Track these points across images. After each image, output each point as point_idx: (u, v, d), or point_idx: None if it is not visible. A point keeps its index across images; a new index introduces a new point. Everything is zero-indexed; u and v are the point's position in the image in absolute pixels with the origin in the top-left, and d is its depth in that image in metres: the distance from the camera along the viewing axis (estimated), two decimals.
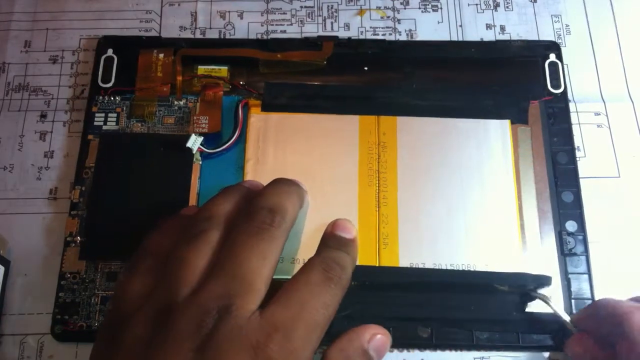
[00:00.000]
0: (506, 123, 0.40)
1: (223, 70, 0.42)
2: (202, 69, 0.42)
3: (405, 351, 0.37)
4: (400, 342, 0.36)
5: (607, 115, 0.42)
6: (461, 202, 0.38)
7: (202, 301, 0.27)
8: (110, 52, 0.43)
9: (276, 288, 0.29)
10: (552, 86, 0.42)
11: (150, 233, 0.33)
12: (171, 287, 0.28)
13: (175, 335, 0.26)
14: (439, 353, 0.37)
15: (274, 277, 0.29)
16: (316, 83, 0.42)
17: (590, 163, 0.41)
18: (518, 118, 0.40)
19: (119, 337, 0.28)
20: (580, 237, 0.38)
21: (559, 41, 0.44)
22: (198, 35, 0.45)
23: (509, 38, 0.45)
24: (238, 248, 0.29)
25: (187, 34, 0.45)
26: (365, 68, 0.43)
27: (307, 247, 0.32)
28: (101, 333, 0.30)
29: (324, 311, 0.28)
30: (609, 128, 0.42)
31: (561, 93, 0.42)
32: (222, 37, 0.45)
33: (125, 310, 0.29)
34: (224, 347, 0.26)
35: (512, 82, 0.42)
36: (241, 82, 0.42)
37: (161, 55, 0.42)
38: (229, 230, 0.30)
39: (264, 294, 0.28)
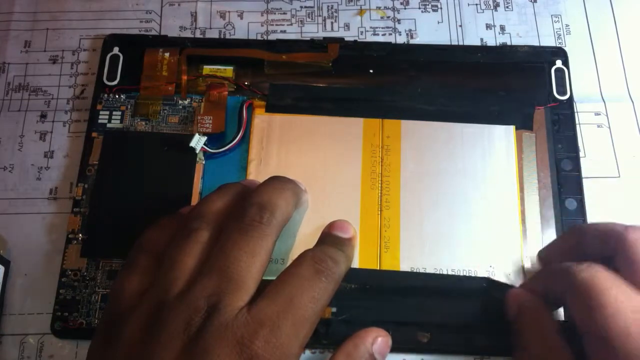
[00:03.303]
0: (511, 129, 0.40)
1: (228, 71, 0.42)
2: (207, 69, 0.42)
3: (403, 355, 0.37)
4: (399, 347, 0.36)
5: (607, 115, 0.42)
6: (463, 207, 0.38)
7: (192, 300, 0.27)
8: (116, 50, 0.43)
9: None
10: (558, 92, 0.41)
11: (146, 231, 0.33)
12: (163, 287, 0.29)
13: (165, 334, 0.27)
14: (438, 357, 0.36)
15: (270, 278, 0.29)
16: (321, 85, 0.42)
17: (590, 163, 0.41)
18: (523, 124, 0.40)
19: (114, 335, 0.28)
20: None
21: (559, 41, 0.44)
22: (198, 35, 0.45)
23: (509, 38, 0.45)
24: (227, 246, 0.29)
25: (187, 34, 0.45)
26: (371, 71, 0.42)
27: (307, 248, 0.32)
28: (98, 330, 0.30)
29: (312, 305, 0.28)
30: (609, 128, 0.42)
31: (567, 100, 0.41)
32: (222, 37, 0.45)
33: (121, 308, 0.29)
34: (210, 344, 0.26)
35: (518, 87, 0.42)
36: (246, 83, 0.42)
37: (167, 54, 0.42)
38: (220, 228, 0.31)
39: (253, 291, 0.28)
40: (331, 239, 0.34)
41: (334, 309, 0.36)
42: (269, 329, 0.27)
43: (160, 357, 0.26)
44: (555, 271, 0.32)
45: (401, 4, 0.46)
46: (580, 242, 0.33)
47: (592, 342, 0.28)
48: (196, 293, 0.28)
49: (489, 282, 0.36)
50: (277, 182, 0.33)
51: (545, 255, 0.36)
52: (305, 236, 0.36)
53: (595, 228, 0.33)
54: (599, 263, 0.30)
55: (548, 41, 0.45)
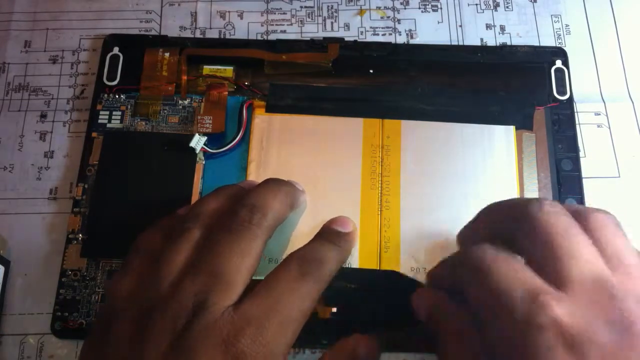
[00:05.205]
0: (511, 129, 0.40)
1: (228, 71, 0.42)
2: (207, 69, 0.42)
3: (403, 355, 0.37)
4: (399, 347, 0.36)
5: (607, 115, 0.42)
6: (463, 208, 0.38)
7: (179, 298, 0.28)
8: (116, 50, 0.43)
9: None
10: (558, 92, 0.42)
11: (143, 232, 0.33)
12: (153, 286, 0.29)
13: (153, 333, 0.27)
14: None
15: (262, 278, 0.30)
16: (321, 85, 0.42)
17: (590, 163, 0.41)
18: (523, 124, 0.40)
19: (106, 334, 0.28)
20: None
21: (559, 41, 0.44)
22: (198, 35, 0.45)
23: (509, 38, 0.45)
24: (217, 245, 0.29)
25: (187, 34, 0.45)
26: (371, 71, 0.42)
27: None
28: (92, 329, 0.31)
29: (299, 305, 0.28)
30: (609, 128, 0.42)
31: (567, 99, 0.41)
32: (222, 37, 0.45)
33: (114, 307, 0.29)
34: (196, 342, 0.26)
35: (518, 87, 0.42)
36: (246, 83, 0.42)
37: (167, 54, 0.42)
38: (212, 229, 0.31)
39: (241, 291, 0.29)
40: (328, 232, 0.34)
41: (334, 309, 0.36)
42: (255, 328, 0.27)
43: (148, 356, 0.26)
44: (457, 259, 0.31)
45: (401, 4, 0.46)
46: (489, 221, 0.31)
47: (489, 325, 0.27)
48: (184, 291, 0.28)
49: None
50: (271, 183, 0.34)
51: (461, 238, 0.34)
52: (304, 236, 0.36)
53: (504, 204, 0.30)
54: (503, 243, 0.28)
55: (548, 41, 0.45)
